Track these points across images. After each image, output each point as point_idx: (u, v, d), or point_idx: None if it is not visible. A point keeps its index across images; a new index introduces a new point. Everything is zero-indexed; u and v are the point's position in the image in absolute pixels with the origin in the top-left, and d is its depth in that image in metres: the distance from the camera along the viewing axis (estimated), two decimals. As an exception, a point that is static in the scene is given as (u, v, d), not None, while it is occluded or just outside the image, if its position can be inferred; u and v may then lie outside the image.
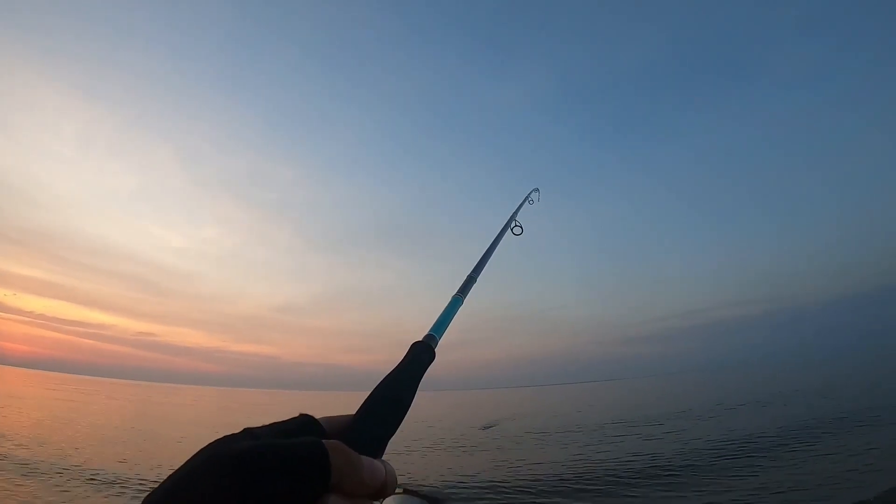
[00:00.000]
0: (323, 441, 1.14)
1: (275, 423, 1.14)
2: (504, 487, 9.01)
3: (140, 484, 8.98)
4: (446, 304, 1.19)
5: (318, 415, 1.17)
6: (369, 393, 1.17)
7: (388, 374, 1.18)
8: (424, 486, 9.11)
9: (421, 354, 1.17)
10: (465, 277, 1.18)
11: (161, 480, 1.15)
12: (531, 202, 1.51)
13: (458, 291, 1.18)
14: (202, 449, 1.13)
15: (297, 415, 1.15)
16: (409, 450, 14.13)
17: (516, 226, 1.38)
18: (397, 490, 1.14)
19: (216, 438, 1.14)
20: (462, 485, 9.29)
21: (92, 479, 9.15)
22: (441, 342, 1.20)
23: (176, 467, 1.15)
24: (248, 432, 1.13)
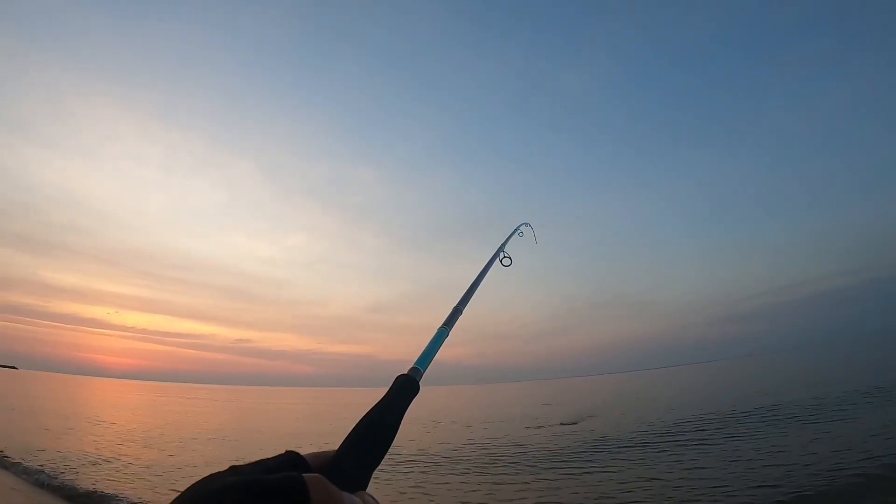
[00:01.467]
0: (303, 475, 1.16)
1: (261, 460, 1.17)
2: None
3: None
4: (431, 337, 1.19)
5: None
6: (353, 427, 1.18)
7: (372, 408, 1.19)
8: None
9: (405, 388, 1.17)
10: (450, 309, 1.18)
11: None
12: (521, 235, 1.51)
13: (443, 324, 1.18)
14: (190, 487, 1.18)
15: (282, 452, 1.18)
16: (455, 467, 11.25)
17: (505, 257, 1.38)
18: None
19: (203, 477, 1.18)
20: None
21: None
22: (427, 373, 1.19)
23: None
24: (233, 470, 1.17)
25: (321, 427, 23.00)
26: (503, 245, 1.39)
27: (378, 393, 1.19)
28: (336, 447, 1.18)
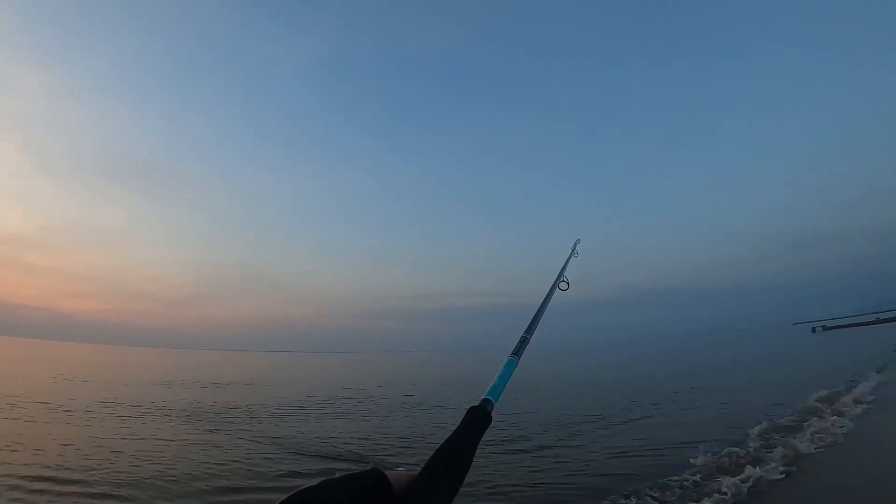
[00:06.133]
0: None
1: (349, 475, 1.19)
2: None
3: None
4: (501, 367, 1.20)
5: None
6: (430, 457, 1.20)
7: (447, 441, 1.20)
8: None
9: (478, 421, 1.19)
10: (518, 339, 1.20)
11: None
12: (576, 255, 1.51)
13: (511, 353, 1.21)
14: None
15: (369, 468, 1.19)
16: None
17: (563, 281, 1.38)
18: None
19: (292, 495, 1.18)
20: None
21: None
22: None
23: None
24: (324, 487, 1.19)
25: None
26: (563, 270, 1.39)
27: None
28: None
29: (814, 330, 77.31)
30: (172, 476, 7.35)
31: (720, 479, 6.21)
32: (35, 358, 52.62)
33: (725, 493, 5.66)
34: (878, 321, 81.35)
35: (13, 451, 8.78)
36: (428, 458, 1.19)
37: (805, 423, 8.99)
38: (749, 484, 5.79)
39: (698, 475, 6.51)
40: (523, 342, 1.20)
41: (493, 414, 1.20)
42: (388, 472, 1.18)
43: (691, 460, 7.13)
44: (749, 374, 21.75)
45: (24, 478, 7.14)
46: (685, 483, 6.21)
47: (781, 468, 6.27)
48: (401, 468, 1.20)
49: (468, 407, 1.21)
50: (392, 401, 18.01)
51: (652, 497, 5.91)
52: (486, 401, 1.19)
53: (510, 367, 1.19)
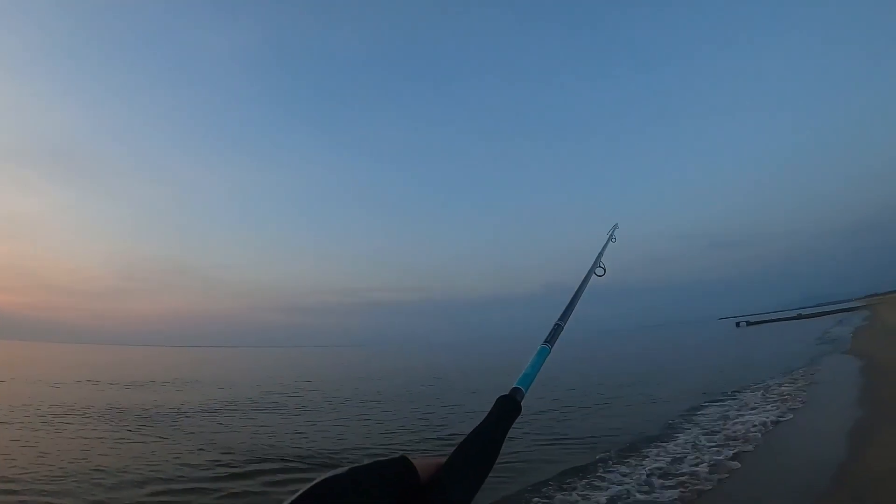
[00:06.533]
0: None
1: (377, 461, 1.15)
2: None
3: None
4: (533, 354, 1.13)
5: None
6: (457, 445, 1.15)
7: (475, 429, 1.14)
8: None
9: (507, 410, 1.13)
10: (552, 325, 1.13)
11: None
12: (614, 240, 1.46)
13: (545, 341, 1.12)
14: (308, 495, 1.13)
15: (397, 455, 1.16)
16: None
17: (599, 267, 1.33)
18: None
19: (321, 481, 1.14)
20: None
21: None
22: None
23: None
24: (352, 473, 1.15)
25: None
26: (600, 255, 1.32)
27: None
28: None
29: (738, 325, 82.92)
30: (102, 472, 7.32)
31: (647, 470, 6.55)
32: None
33: (652, 483, 5.97)
34: (800, 317, 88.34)
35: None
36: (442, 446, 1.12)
37: (739, 414, 9.66)
38: (680, 479, 6.05)
39: (626, 463, 6.92)
40: (557, 329, 1.13)
41: (522, 403, 1.14)
42: (415, 460, 1.15)
43: (620, 449, 7.58)
44: (677, 368, 22.80)
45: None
46: (618, 477, 6.42)
47: (716, 459, 6.65)
48: (427, 456, 1.16)
49: (497, 396, 1.15)
50: (322, 395, 18.17)
51: (578, 484, 6.19)
52: (515, 390, 1.12)
53: (542, 355, 1.11)
